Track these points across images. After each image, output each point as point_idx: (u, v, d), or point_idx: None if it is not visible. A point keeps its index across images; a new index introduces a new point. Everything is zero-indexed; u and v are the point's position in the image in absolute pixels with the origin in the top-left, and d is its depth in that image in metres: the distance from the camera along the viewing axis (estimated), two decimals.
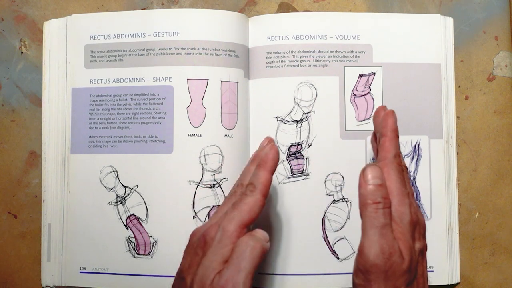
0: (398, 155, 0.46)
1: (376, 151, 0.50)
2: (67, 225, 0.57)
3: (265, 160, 0.45)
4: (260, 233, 0.43)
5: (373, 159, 0.57)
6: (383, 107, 0.49)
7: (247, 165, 0.48)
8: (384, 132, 0.47)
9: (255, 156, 0.48)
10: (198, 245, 0.44)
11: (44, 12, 0.60)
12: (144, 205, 0.56)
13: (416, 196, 0.57)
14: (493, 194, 0.58)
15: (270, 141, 0.48)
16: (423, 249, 0.44)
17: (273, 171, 0.46)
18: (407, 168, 0.46)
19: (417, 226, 0.44)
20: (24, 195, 0.59)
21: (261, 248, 0.42)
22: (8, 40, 0.60)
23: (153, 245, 0.56)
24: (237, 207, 0.44)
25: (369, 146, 0.57)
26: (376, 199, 0.42)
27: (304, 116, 0.57)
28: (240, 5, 0.60)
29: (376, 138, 0.50)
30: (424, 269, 0.44)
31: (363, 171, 0.43)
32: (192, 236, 0.46)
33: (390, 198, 0.43)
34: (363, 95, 0.57)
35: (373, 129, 0.50)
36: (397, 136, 0.47)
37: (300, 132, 0.57)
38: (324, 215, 0.56)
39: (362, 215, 0.42)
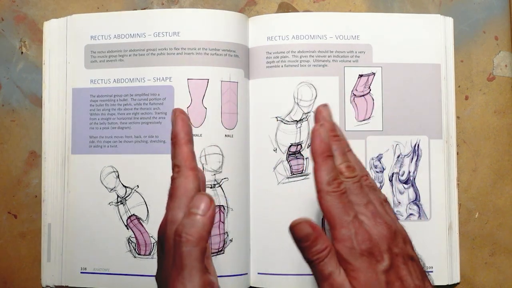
0: (332, 180, 0.41)
1: None
2: (67, 225, 0.57)
3: (175, 134, 0.41)
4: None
5: (372, 158, 0.57)
6: (316, 126, 0.42)
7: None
8: (313, 158, 0.42)
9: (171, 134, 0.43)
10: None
11: (44, 12, 0.60)
12: (145, 205, 0.56)
13: (416, 196, 0.57)
14: (493, 194, 0.58)
15: (175, 111, 0.43)
16: (392, 263, 0.40)
17: (188, 141, 0.42)
18: (342, 190, 0.41)
19: (373, 249, 0.40)
20: (24, 195, 0.59)
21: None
22: (8, 40, 0.60)
23: (153, 245, 0.56)
24: (174, 194, 0.40)
25: (369, 146, 0.57)
26: (313, 257, 0.40)
27: (304, 116, 0.57)
28: (240, 5, 0.60)
29: None
30: (401, 280, 0.40)
31: (291, 231, 0.41)
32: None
33: (334, 234, 0.40)
34: (363, 95, 0.57)
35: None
36: (328, 157, 0.41)
37: (300, 132, 0.57)
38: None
39: (308, 266, 0.41)
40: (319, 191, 0.41)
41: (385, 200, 0.44)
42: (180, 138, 0.41)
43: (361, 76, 0.57)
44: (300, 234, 0.40)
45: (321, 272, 0.40)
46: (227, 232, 0.55)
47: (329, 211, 0.40)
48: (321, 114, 0.44)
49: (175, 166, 0.41)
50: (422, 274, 0.41)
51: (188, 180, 0.40)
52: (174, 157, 0.41)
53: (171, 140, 0.42)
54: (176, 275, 0.38)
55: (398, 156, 0.57)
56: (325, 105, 0.44)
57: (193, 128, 0.55)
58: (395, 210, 0.56)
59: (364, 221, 0.41)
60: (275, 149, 0.57)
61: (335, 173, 0.41)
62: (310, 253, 0.40)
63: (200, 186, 0.41)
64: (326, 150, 0.41)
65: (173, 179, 0.41)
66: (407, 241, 0.42)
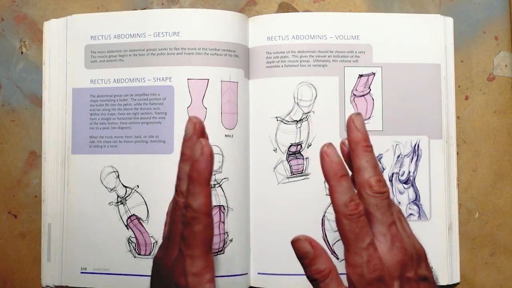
0: (349, 201, 0.39)
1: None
2: (67, 225, 0.57)
3: (198, 171, 0.39)
4: None
5: None
6: (324, 147, 0.41)
7: (180, 162, 0.42)
8: (326, 179, 0.41)
9: (185, 151, 0.42)
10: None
11: (44, 12, 0.60)
12: (145, 205, 0.56)
13: (416, 196, 0.57)
14: (493, 194, 0.58)
15: (195, 132, 0.42)
16: (405, 284, 0.40)
17: (209, 181, 0.39)
18: (359, 212, 0.39)
19: (383, 277, 0.39)
20: (24, 195, 0.59)
21: None
22: (8, 40, 0.60)
23: (153, 246, 0.56)
24: (190, 242, 0.39)
25: None
26: (312, 276, 0.40)
27: (304, 116, 0.57)
28: (240, 5, 0.60)
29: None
30: None
31: (293, 247, 0.40)
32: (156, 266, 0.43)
33: (347, 257, 0.39)
34: (363, 95, 0.57)
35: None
36: (344, 176, 0.40)
37: (300, 132, 0.57)
38: (324, 215, 0.56)
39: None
40: (336, 212, 0.40)
41: (400, 212, 0.43)
42: (203, 178, 0.39)
43: (361, 76, 0.57)
44: (299, 251, 0.40)
45: None
46: (227, 232, 0.55)
47: (345, 235, 0.40)
48: (354, 123, 0.42)
49: (189, 209, 0.38)
50: None
51: (207, 229, 0.39)
52: (190, 194, 0.39)
53: (191, 171, 0.39)
54: (182, 253, 0.38)
55: (398, 156, 0.57)
56: (358, 114, 0.43)
57: None
58: None
59: (380, 246, 0.40)
60: (275, 149, 0.57)
61: (352, 193, 0.40)
62: (310, 271, 0.40)
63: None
64: (338, 170, 0.40)
65: (188, 224, 0.38)
66: (422, 260, 0.42)
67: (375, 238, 0.40)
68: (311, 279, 0.40)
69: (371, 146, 0.42)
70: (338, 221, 0.40)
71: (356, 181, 0.42)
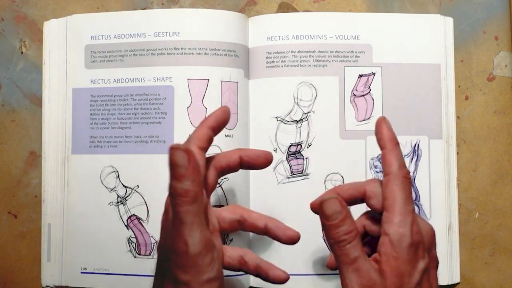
0: (402, 166, 0.42)
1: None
2: (67, 225, 0.57)
3: (208, 116, 0.42)
4: None
5: (372, 158, 0.57)
6: (381, 118, 0.45)
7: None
8: (381, 144, 0.43)
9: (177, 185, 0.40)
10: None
11: (44, 12, 0.60)
12: (145, 205, 0.56)
13: (416, 196, 0.57)
14: (493, 194, 0.58)
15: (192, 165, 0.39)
16: (428, 265, 0.41)
17: (212, 127, 0.42)
18: (410, 178, 0.42)
19: (420, 245, 0.40)
20: (24, 195, 0.59)
21: None
22: (8, 40, 0.60)
23: (154, 246, 0.56)
24: (171, 176, 0.38)
25: (369, 146, 0.57)
26: (340, 237, 0.40)
27: (304, 116, 0.57)
28: (240, 5, 0.60)
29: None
30: (430, 285, 0.41)
31: (321, 206, 0.41)
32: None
33: (391, 217, 0.40)
34: (363, 95, 0.57)
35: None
36: (397, 145, 0.43)
37: (300, 132, 0.57)
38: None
39: (331, 250, 0.41)
40: (387, 173, 0.42)
41: None
42: (208, 121, 0.43)
43: (361, 76, 0.57)
44: (328, 211, 0.40)
45: (346, 256, 0.39)
46: None
47: (395, 195, 0.41)
48: (386, 122, 0.44)
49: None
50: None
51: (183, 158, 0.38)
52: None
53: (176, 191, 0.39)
54: (176, 233, 0.38)
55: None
56: (384, 118, 0.44)
57: (193, 128, 0.56)
58: None
59: (415, 220, 0.41)
60: (275, 149, 0.57)
61: (403, 161, 0.42)
62: (336, 233, 0.40)
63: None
64: (394, 137, 0.43)
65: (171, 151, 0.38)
66: (434, 240, 0.43)
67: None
68: (335, 242, 0.40)
69: (398, 143, 0.44)
70: (388, 182, 0.41)
71: (387, 173, 0.43)
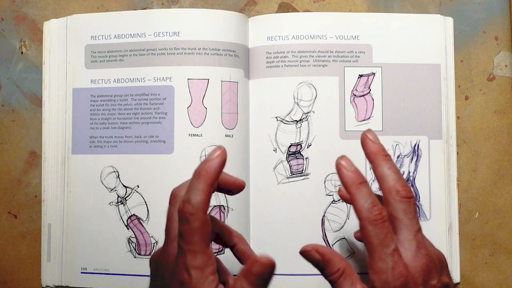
0: (372, 206, 0.40)
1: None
2: (67, 225, 0.57)
3: (207, 170, 0.39)
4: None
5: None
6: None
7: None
8: (346, 190, 0.41)
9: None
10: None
11: (44, 12, 0.60)
12: (145, 205, 0.56)
13: (416, 196, 0.57)
14: (493, 194, 0.58)
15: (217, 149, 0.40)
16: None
17: (214, 183, 0.40)
18: (383, 217, 0.40)
19: (409, 282, 0.39)
20: (24, 195, 0.59)
21: None
22: (8, 40, 0.60)
23: (154, 246, 0.56)
24: (188, 238, 0.38)
25: None
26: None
27: (304, 116, 0.57)
28: (240, 5, 0.60)
29: None
30: None
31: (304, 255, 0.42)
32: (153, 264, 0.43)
33: (372, 264, 0.40)
34: (362, 95, 0.57)
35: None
36: (363, 183, 0.41)
37: (300, 132, 0.57)
38: (324, 215, 0.56)
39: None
40: (360, 219, 0.40)
41: None
42: (210, 179, 0.39)
43: (361, 76, 0.57)
44: (310, 260, 0.42)
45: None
46: None
47: (370, 241, 0.40)
48: (368, 137, 0.43)
49: (188, 202, 0.39)
50: None
51: (205, 225, 0.39)
52: (192, 188, 0.39)
53: (199, 170, 0.40)
54: (182, 252, 0.38)
55: (398, 156, 0.57)
56: (369, 130, 0.44)
57: (193, 128, 0.56)
58: None
59: (405, 253, 0.40)
60: (275, 149, 0.57)
61: (373, 199, 0.40)
62: (324, 275, 0.42)
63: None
64: (356, 178, 0.41)
65: (186, 219, 0.39)
66: (444, 267, 0.42)
67: (400, 245, 0.40)
68: (328, 281, 0.42)
69: (389, 155, 0.43)
70: (362, 228, 0.40)
71: (382, 188, 0.42)
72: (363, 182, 0.41)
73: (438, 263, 0.42)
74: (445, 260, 0.43)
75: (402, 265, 0.39)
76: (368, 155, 0.43)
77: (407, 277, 0.39)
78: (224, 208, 0.55)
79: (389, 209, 0.41)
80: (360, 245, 0.56)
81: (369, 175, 0.57)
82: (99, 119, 0.57)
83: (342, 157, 0.42)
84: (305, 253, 0.42)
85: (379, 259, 0.39)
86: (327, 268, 0.42)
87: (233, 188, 0.45)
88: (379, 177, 0.42)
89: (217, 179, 0.40)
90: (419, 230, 0.41)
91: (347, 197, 0.45)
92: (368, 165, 0.57)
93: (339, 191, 0.49)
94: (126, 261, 0.56)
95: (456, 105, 0.58)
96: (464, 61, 0.59)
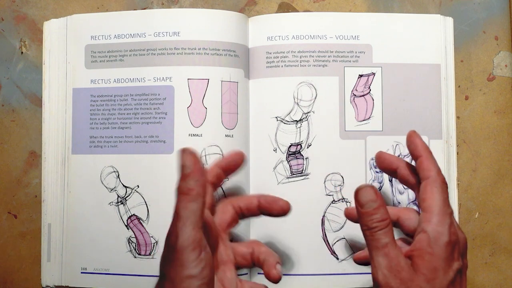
0: (440, 172, 0.45)
1: (404, 181, 0.49)
2: (67, 225, 0.57)
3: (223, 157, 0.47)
4: None
5: (372, 158, 0.57)
6: (412, 131, 0.48)
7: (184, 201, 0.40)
8: (417, 153, 0.46)
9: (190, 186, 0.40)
10: None
11: (44, 12, 0.60)
12: (145, 205, 0.56)
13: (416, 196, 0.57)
14: (493, 194, 0.58)
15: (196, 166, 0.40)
16: (462, 268, 0.43)
17: (222, 167, 0.48)
18: (447, 184, 0.45)
19: (456, 246, 0.43)
20: (24, 195, 0.59)
21: None
22: (8, 40, 0.60)
23: (154, 246, 0.56)
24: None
25: (369, 146, 0.57)
26: (372, 224, 0.42)
27: (304, 116, 0.57)
28: (240, 5, 0.60)
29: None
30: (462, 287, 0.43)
31: (356, 194, 0.43)
32: None
33: (430, 217, 0.43)
34: (362, 95, 0.57)
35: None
36: (431, 153, 0.46)
37: (300, 132, 0.57)
38: (324, 215, 0.56)
39: (364, 236, 0.43)
40: (425, 178, 0.44)
41: None
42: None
43: (361, 76, 0.57)
44: (364, 199, 0.43)
45: (378, 241, 0.42)
46: None
47: (434, 197, 0.43)
48: (415, 135, 0.48)
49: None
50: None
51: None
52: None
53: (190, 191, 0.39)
54: (171, 227, 0.39)
55: (398, 156, 0.57)
56: (414, 131, 0.48)
57: (193, 128, 0.56)
58: None
59: (453, 222, 0.43)
60: (275, 149, 0.57)
61: (440, 169, 0.45)
62: (370, 220, 0.42)
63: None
64: (428, 147, 0.47)
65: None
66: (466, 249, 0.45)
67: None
68: (368, 228, 0.42)
69: (431, 152, 0.47)
70: (427, 186, 0.45)
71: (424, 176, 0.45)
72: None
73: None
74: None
75: (455, 228, 0.43)
76: (415, 149, 0.47)
77: (458, 239, 0.43)
78: None
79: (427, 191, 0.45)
80: (360, 245, 0.56)
81: (369, 175, 0.57)
82: (99, 119, 0.57)
83: (414, 131, 0.48)
84: (363, 190, 0.43)
85: (439, 213, 0.43)
86: (377, 213, 0.42)
87: (273, 208, 0.48)
88: (425, 168, 0.45)
89: (228, 165, 0.47)
90: (451, 213, 0.44)
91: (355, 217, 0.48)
92: (368, 164, 0.57)
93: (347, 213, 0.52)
94: (126, 261, 0.56)
95: (456, 105, 0.58)
96: (464, 61, 0.59)
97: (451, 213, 0.44)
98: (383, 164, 0.50)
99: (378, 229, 0.42)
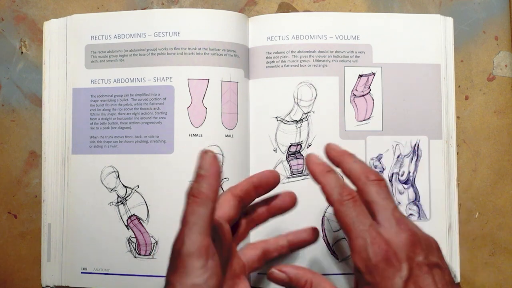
0: (342, 189, 0.42)
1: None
2: (67, 225, 0.57)
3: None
4: None
5: (372, 158, 0.57)
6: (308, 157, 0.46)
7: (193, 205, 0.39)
8: (315, 178, 0.44)
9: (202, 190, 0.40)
10: None
11: (44, 12, 0.60)
12: (145, 205, 0.56)
13: (416, 196, 0.57)
14: (493, 194, 0.58)
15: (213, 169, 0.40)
16: (411, 274, 0.39)
17: (254, 183, 0.46)
18: (354, 197, 0.42)
19: (391, 258, 0.39)
20: (24, 195, 0.59)
21: None
22: (8, 40, 0.60)
23: (154, 246, 0.56)
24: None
25: (369, 146, 0.57)
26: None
27: (304, 116, 0.57)
28: (240, 5, 0.60)
29: None
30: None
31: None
32: None
33: (350, 244, 0.41)
34: (362, 95, 0.57)
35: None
36: (330, 171, 0.43)
37: (300, 132, 0.57)
38: (324, 215, 0.56)
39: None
40: (332, 203, 0.42)
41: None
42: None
43: (361, 76, 0.57)
44: (277, 282, 0.44)
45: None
46: None
47: (344, 222, 0.41)
48: (330, 147, 0.47)
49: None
50: (450, 284, 0.40)
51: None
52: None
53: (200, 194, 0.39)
54: (179, 232, 0.38)
55: (398, 156, 0.57)
56: (309, 154, 0.46)
57: (193, 128, 0.56)
58: None
59: (384, 229, 0.40)
60: (275, 149, 0.57)
61: (341, 182, 0.42)
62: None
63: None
64: (324, 168, 0.44)
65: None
66: (433, 247, 0.41)
67: (380, 226, 0.41)
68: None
69: (351, 154, 0.45)
70: (336, 212, 0.41)
71: (353, 180, 0.43)
72: (330, 170, 0.43)
73: (423, 241, 0.41)
74: (436, 244, 0.42)
75: (381, 240, 0.39)
76: (333, 160, 0.45)
77: (388, 251, 0.39)
78: None
79: (363, 196, 0.42)
80: None
81: None
82: (99, 119, 0.57)
83: (309, 154, 0.45)
84: (270, 276, 0.44)
85: (356, 237, 0.40)
86: (296, 285, 0.43)
87: (306, 241, 0.49)
88: (347, 173, 0.44)
89: (260, 182, 0.46)
90: (395, 208, 0.42)
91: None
92: (368, 164, 0.57)
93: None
94: (126, 261, 0.56)
95: (456, 105, 0.58)
96: (464, 61, 0.59)
97: (370, 225, 0.41)
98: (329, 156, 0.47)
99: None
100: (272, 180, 0.47)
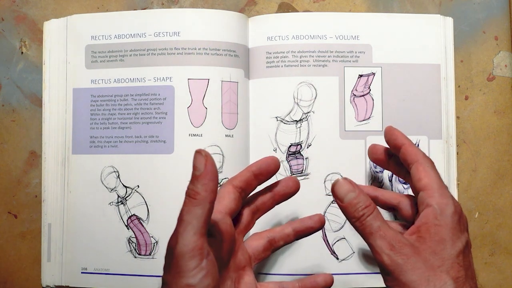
0: (426, 155, 0.46)
1: (386, 165, 0.52)
2: (67, 225, 0.57)
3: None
4: None
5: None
6: (390, 126, 0.50)
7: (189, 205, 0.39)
8: (400, 141, 0.47)
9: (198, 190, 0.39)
10: None
11: (44, 12, 0.60)
12: (145, 205, 0.56)
13: None
14: (493, 194, 0.58)
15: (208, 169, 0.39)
16: (467, 243, 0.43)
17: (253, 171, 0.46)
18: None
19: (462, 218, 0.43)
20: (24, 195, 0.59)
21: None
22: (8, 40, 0.60)
23: (154, 246, 0.56)
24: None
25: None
26: (359, 213, 0.42)
27: (304, 116, 0.57)
28: (240, 5, 0.60)
29: (385, 157, 0.52)
30: (469, 263, 0.42)
31: (333, 191, 0.43)
32: None
33: (431, 193, 0.43)
34: (362, 95, 0.57)
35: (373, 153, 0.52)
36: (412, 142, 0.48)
37: (300, 132, 0.57)
38: (324, 215, 0.56)
39: (355, 228, 0.43)
40: (414, 161, 0.45)
41: None
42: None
43: (361, 76, 0.57)
44: (342, 192, 0.42)
45: (370, 227, 0.41)
46: None
47: (430, 175, 0.44)
48: (393, 128, 0.50)
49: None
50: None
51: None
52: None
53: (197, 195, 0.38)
54: (174, 231, 0.38)
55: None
56: (391, 126, 0.50)
57: (193, 128, 0.56)
58: None
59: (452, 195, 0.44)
60: (275, 149, 0.57)
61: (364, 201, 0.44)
62: (355, 210, 0.42)
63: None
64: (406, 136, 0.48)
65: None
66: None
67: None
68: (356, 219, 0.42)
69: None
70: (419, 166, 0.46)
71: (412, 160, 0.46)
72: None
73: None
74: None
75: (457, 201, 0.44)
76: (396, 140, 0.48)
77: (462, 211, 0.44)
78: None
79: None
80: (360, 244, 0.56)
81: (369, 175, 0.57)
82: (99, 119, 0.57)
83: (391, 126, 0.50)
84: (337, 184, 0.43)
85: (440, 188, 0.43)
86: (360, 201, 0.42)
87: (313, 229, 0.49)
88: (412, 153, 0.46)
89: (260, 170, 0.46)
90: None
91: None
92: (368, 164, 0.57)
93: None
94: (126, 261, 0.56)
95: (456, 105, 0.58)
96: (464, 61, 0.59)
97: (447, 187, 0.44)
98: (375, 156, 0.52)
99: (366, 215, 0.42)
100: (272, 166, 0.47)
